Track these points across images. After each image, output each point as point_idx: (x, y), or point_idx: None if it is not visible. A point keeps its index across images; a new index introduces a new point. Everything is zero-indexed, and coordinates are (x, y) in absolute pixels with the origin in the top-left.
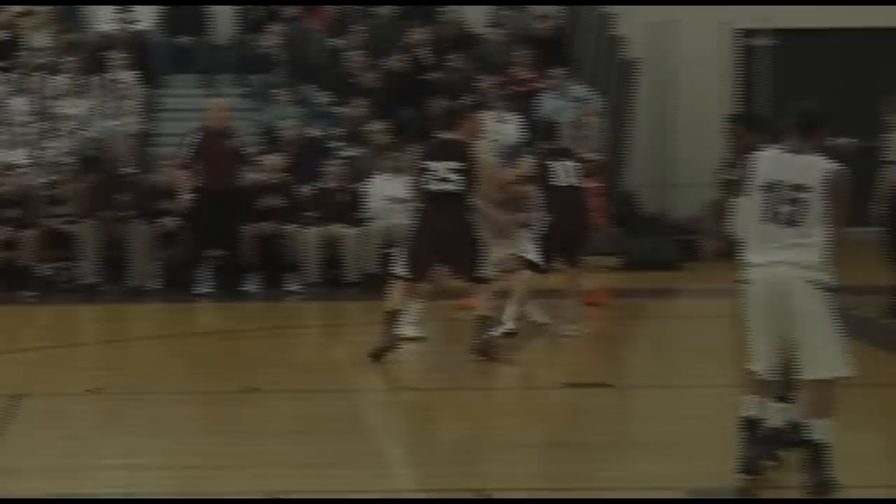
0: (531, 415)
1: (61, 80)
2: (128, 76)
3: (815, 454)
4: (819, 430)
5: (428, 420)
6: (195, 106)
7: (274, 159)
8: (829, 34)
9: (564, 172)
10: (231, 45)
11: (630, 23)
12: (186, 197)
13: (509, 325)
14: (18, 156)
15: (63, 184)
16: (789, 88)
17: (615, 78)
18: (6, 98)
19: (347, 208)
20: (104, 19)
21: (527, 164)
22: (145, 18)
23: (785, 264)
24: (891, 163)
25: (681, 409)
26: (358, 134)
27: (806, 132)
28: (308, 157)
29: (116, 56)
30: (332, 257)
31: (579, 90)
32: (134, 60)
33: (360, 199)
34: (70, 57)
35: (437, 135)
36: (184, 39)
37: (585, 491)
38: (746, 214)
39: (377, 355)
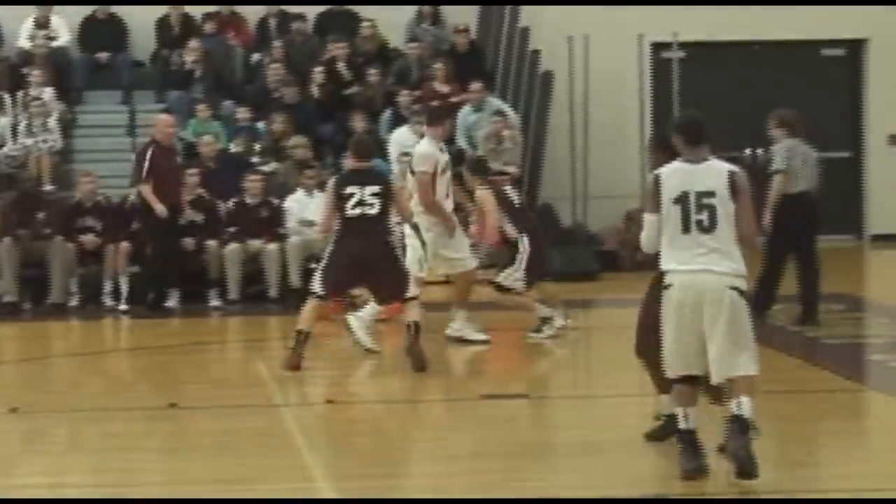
0: (453, 426)
1: None
2: (47, 92)
3: (742, 426)
4: (745, 406)
5: (350, 433)
6: (114, 122)
7: (193, 175)
8: (737, 47)
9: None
10: (150, 61)
11: (545, 36)
12: (160, 211)
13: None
14: None
15: None
16: (699, 101)
17: (531, 91)
18: None
19: (268, 224)
20: (23, 35)
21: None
22: (64, 34)
23: (706, 271)
24: (776, 172)
25: (599, 420)
26: (278, 149)
27: (696, 140)
28: (228, 172)
29: (35, 72)
30: (253, 272)
31: (497, 103)
32: (53, 77)
33: (280, 214)
34: None
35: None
36: (103, 55)
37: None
38: (654, 229)
39: (293, 367)
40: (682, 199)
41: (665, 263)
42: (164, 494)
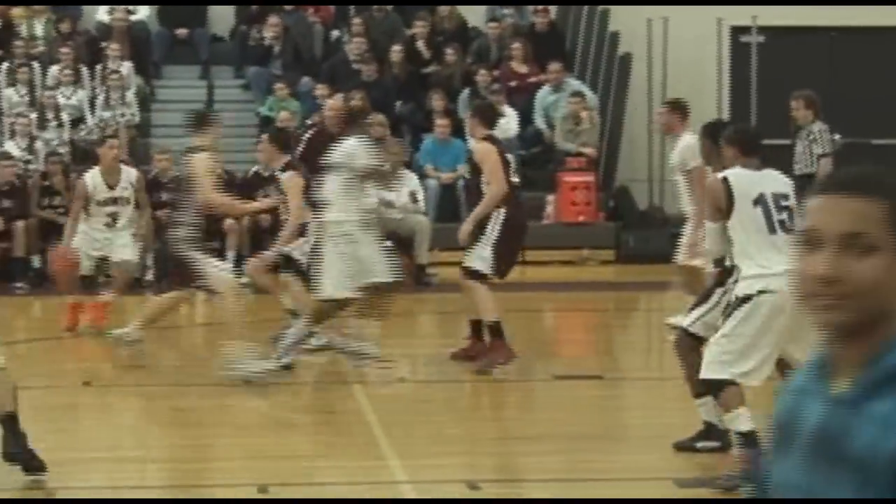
0: (525, 407)
1: (57, 70)
2: (125, 66)
3: None
4: None
5: (421, 412)
6: (192, 97)
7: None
8: (816, 32)
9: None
10: (229, 37)
11: (624, 19)
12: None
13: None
14: (11, 146)
15: (55, 174)
16: (777, 85)
17: (610, 73)
18: (2, 88)
19: None
20: (102, 9)
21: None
22: (143, 9)
23: None
24: (824, 156)
25: (670, 402)
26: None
27: (753, 152)
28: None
29: (113, 46)
30: None
31: (575, 84)
32: (131, 51)
33: None
34: (65, 48)
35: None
36: (182, 31)
37: (575, 483)
38: (719, 236)
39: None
40: (760, 201)
41: (748, 269)
42: (237, 469)
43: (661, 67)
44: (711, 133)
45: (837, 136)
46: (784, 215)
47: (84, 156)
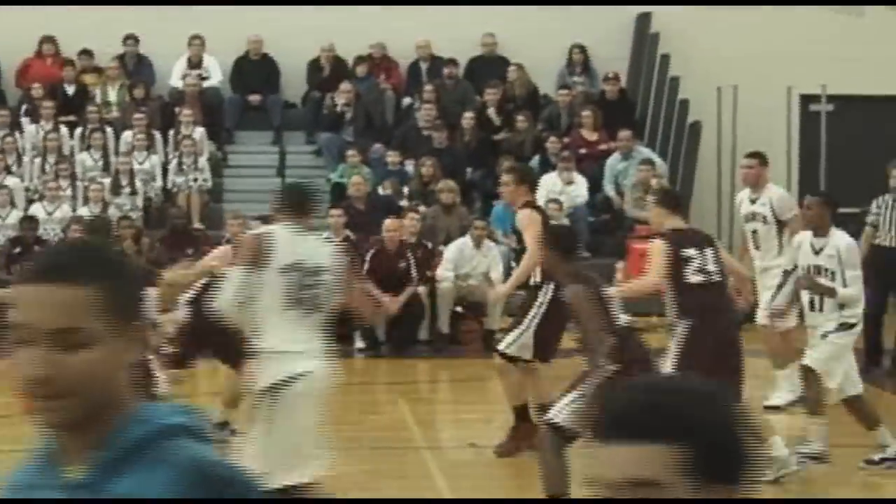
0: None
1: (130, 136)
2: (198, 132)
3: None
4: None
5: (491, 477)
6: (264, 163)
7: (339, 216)
8: (886, 101)
9: None
10: (301, 103)
11: (694, 87)
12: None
13: None
14: (85, 212)
15: (126, 239)
16: (847, 153)
17: (679, 140)
18: (76, 153)
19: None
20: (175, 74)
21: None
22: (216, 74)
23: None
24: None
25: None
26: (426, 192)
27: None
28: (377, 214)
29: (186, 111)
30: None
31: (645, 152)
32: (204, 116)
33: (431, 257)
34: (139, 113)
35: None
36: (254, 97)
37: None
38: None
39: None
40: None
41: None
42: None
43: (730, 135)
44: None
45: None
46: None
47: (157, 221)
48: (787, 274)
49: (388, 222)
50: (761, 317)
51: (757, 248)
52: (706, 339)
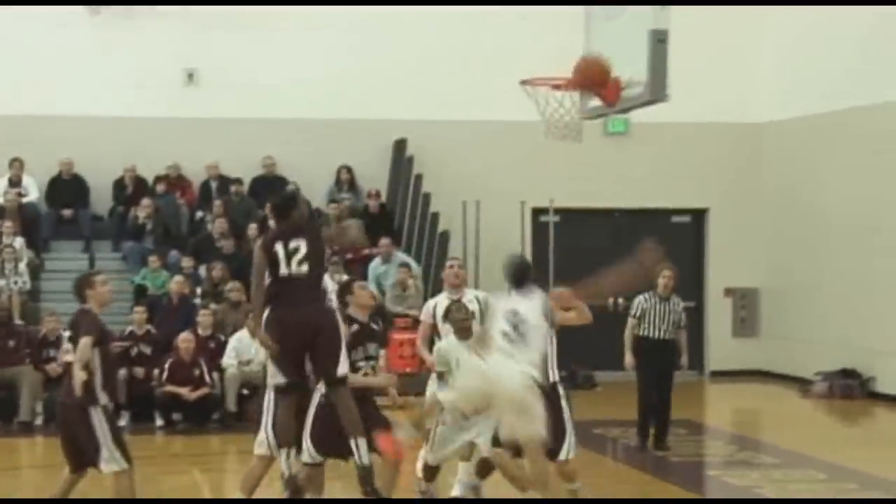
0: None
1: None
2: (17, 241)
3: None
4: None
5: None
6: (76, 267)
7: (141, 313)
8: (602, 213)
9: None
10: (108, 216)
11: (444, 201)
12: None
13: None
14: None
15: None
16: (571, 257)
17: (431, 247)
18: None
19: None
20: None
21: None
22: (33, 192)
23: None
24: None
25: None
26: (216, 292)
27: None
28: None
29: (7, 223)
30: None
31: (402, 257)
32: (23, 228)
33: (223, 348)
34: None
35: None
36: (67, 211)
37: None
38: None
39: None
40: None
41: None
42: None
43: (474, 241)
44: None
45: None
46: None
47: None
48: None
49: (181, 337)
50: None
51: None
52: None
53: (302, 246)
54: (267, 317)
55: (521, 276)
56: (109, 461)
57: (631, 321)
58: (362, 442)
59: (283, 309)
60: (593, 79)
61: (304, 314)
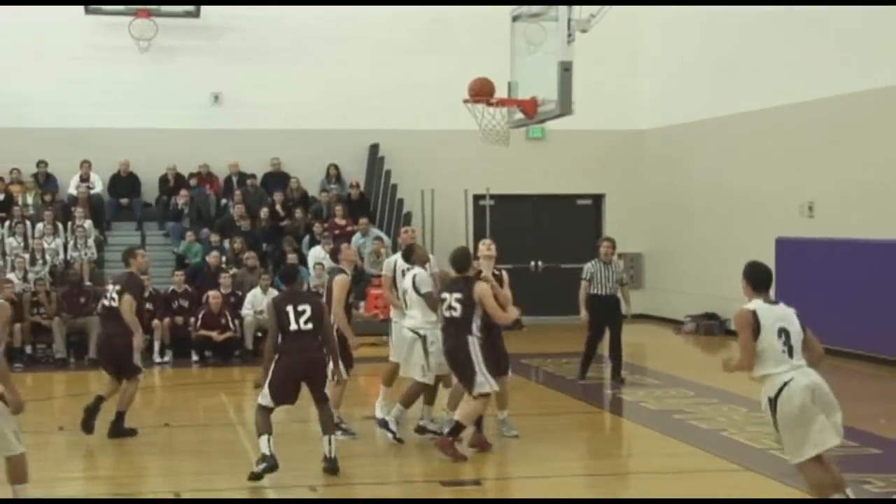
0: None
1: (42, 226)
2: (87, 223)
3: None
4: None
5: None
6: (131, 243)
7: (180, 276)
8: (525, 198)
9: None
10: (155, 203)
11: (408, 190)
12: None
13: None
14: (12, 276)
15: (40, 293)
16: (504, 232)
17: (398, 223)
18: (6, 238)
19: (233, 307)
20: (71, 186)
21: None
22: (99, 185)
23: None
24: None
25: None
26: (237, 260)
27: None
28: (204, 274)
29: (79, 210)
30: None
31: (376, 231)
32: (90, 212)
33: (241, 302)
34: (48, 211)
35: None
36: (124, 200)
37: None
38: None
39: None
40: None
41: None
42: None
43: (430, 220)
44: None
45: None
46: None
47: (59, 281)
48: None
49: (211, 294)
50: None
51: None
52: None
53: (307, 309)
54: (278, 360)
55: (462, 263)
56: (134, 371)
57: (584, 283)
58: (333, 438)
59: (292, 354)
60: (482, 91)
61: (308, 359)
